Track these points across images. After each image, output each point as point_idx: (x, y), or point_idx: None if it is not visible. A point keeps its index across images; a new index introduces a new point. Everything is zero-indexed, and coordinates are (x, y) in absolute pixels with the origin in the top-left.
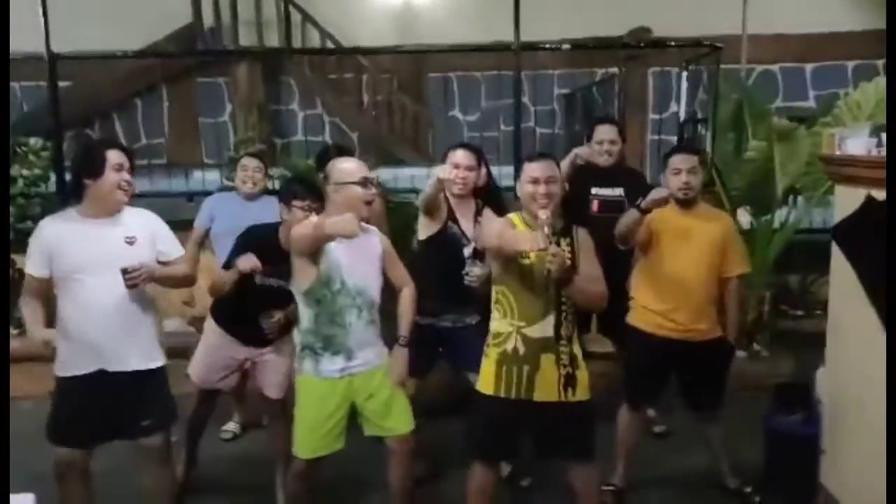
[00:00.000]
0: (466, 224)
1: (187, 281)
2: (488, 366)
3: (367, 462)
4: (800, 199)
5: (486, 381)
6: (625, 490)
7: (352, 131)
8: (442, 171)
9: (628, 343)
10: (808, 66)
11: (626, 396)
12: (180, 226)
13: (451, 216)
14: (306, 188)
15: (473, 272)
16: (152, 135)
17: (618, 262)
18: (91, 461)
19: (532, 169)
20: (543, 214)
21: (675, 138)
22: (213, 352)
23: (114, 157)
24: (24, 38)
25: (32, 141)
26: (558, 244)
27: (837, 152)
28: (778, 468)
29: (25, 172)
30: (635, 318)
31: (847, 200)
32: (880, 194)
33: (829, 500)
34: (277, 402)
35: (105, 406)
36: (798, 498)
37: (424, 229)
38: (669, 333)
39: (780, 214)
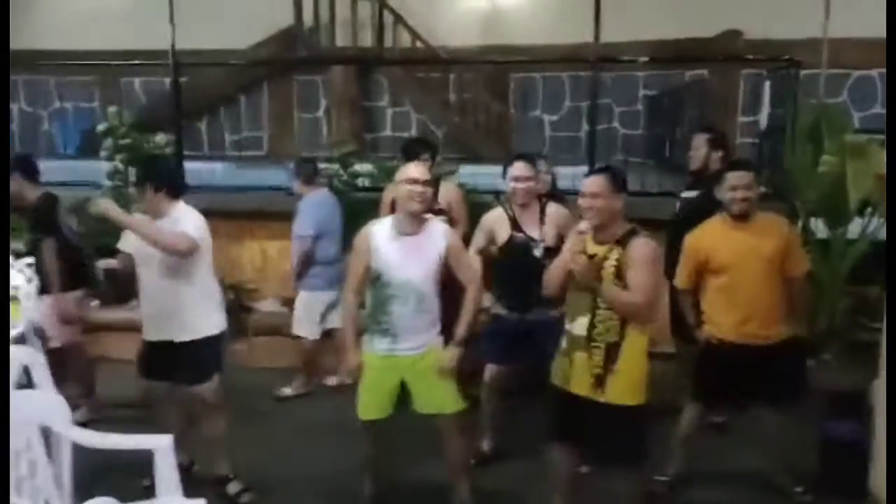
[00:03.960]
0: (532, 228)
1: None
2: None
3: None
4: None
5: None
6: (677, 482)
7: (437, 128)
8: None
9: (703, 350)
10: None
11: (697, 398)
12: (278, 217)
13: (515, 226)
14: None
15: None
16: (253, 128)
17: None
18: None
19: (584, 184)
20: (583, 226)
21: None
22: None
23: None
24: (145, 37)
25: (159, 137)
26: (608, 253)
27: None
28: (830, 472)
29: None
30: (710, 329)
31: None
32: None
33: None
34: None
35: (166, 360)
36: (847, 501)
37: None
38: (745, 340)
39: (858, 225)
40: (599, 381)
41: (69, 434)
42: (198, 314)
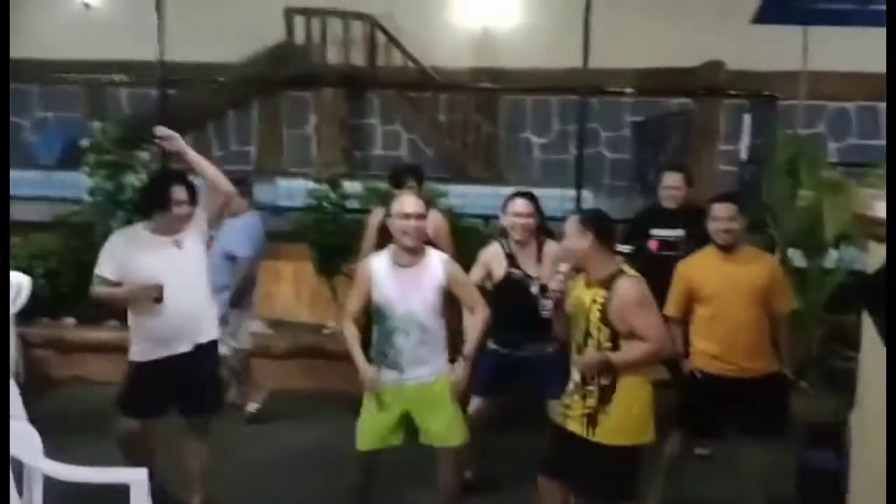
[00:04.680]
0: (529, 265)
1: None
2: None
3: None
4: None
5: None
6: None
7: (427, 148)
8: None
9: (687, 380)
10: (884, 106)
11: (682, 429)
12: (266, 236)
13: (512, 262)
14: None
15: (547, 306)
16: (242, 143)
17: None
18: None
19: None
20: (562, 266)
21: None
22: None
23: (178, 193)
24: (133, 49)
25: (142, 154)
26: (595, 297)
27: (871, 212)
28: (807, 501)
29: (136, 183)
30: (694, 360)
31: (877, 257)
32: None
33: None
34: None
35: (179, 379)
36: None
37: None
38: (727, 372)
39: (836, 255)
40: (591, 421)
41: (41, 467)
42: (214, 313)
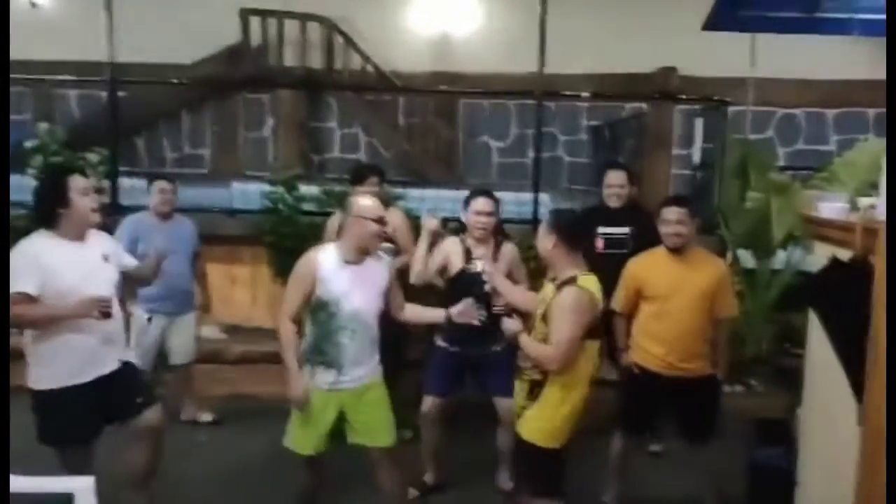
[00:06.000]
0: (485, 263)
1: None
2: None
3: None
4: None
5: None
6: None
7: (386, 151)
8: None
9: (625, 376)
10: (831, 112)
11: (621, 426)
12: (220, 240)
13: (468, 258)
14: None
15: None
16: (196, 146)
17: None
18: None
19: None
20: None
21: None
22: None
23: (77, 183)
24: (82, 49)
25: (90, 156)
26: (547, 294)
27: (815, 213)
28: (757, 497)
29: None
30: (633, 355)
31: (822, 257)
32: (845, 255)
33: None
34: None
35: (98, 401)
36: None
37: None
38: (662, 370)
39: (784, 256)
40: (520, 414)
41: None
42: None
